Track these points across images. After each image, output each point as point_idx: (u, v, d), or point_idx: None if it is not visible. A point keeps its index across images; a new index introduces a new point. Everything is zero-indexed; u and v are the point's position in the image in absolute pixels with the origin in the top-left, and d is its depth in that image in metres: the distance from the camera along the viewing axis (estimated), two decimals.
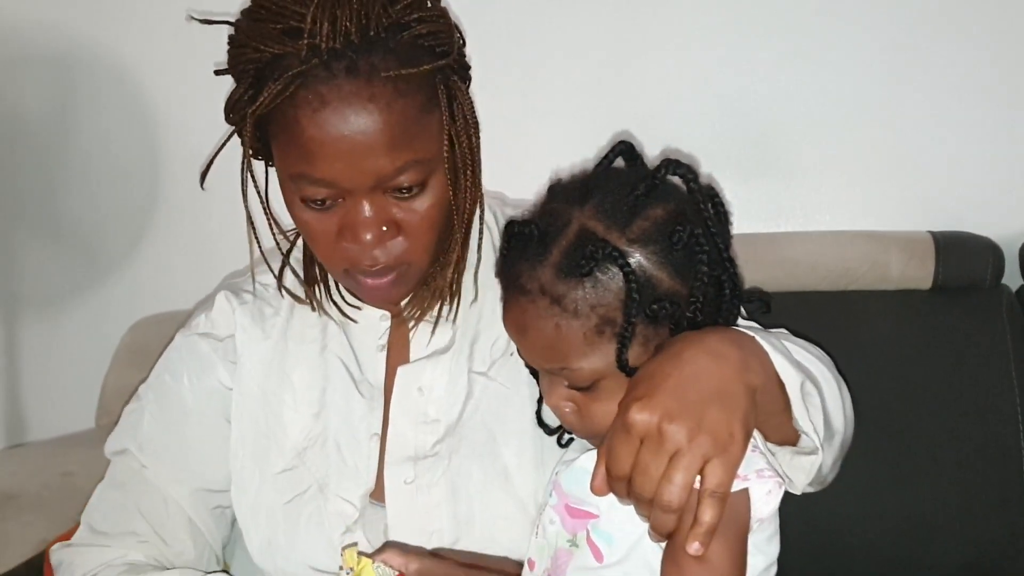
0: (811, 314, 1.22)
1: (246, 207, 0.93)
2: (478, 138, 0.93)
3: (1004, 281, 1.28)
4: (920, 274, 1.26)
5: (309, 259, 1.00)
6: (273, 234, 0.97)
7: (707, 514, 0.72)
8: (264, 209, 0.94)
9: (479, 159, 0.93)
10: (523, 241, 0.82)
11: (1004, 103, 1.35)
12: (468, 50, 0.93)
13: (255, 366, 1.02)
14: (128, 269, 1.55)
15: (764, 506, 0.78)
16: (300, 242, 1.01)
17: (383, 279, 0.90)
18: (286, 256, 1.01)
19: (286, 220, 0.95)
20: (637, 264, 0.78)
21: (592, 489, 0.78)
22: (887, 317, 1.26)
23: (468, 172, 0.92)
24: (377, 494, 0.98)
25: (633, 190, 0.80)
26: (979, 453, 1.20)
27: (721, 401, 0.74)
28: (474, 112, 0.92)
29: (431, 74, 0.86)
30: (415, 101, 0.84)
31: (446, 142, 0.88)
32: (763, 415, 0.78)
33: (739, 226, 0.88)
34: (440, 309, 0.99)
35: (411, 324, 1.00)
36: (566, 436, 0.94)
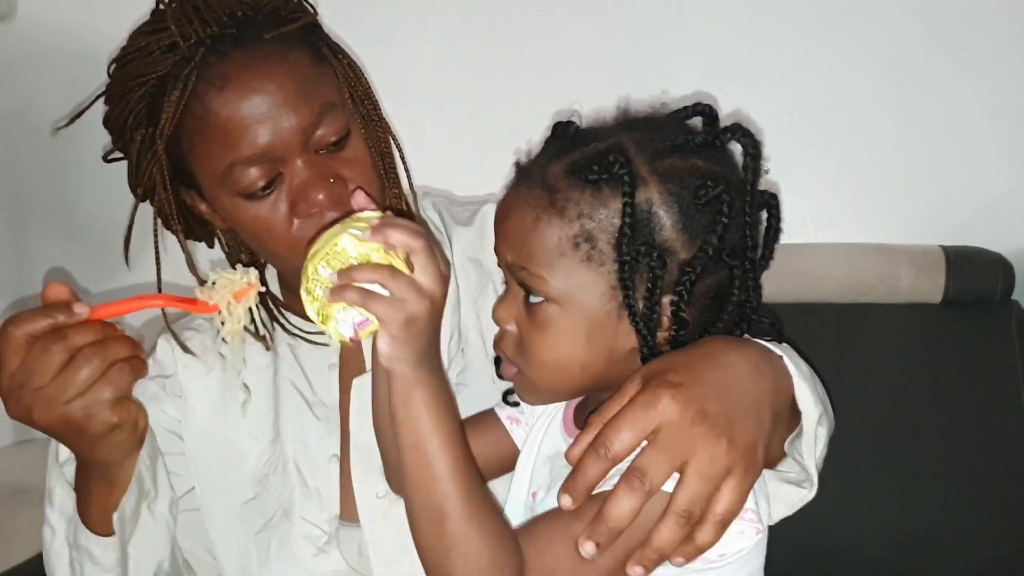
0: (821, 326, 1.22)
1: (158, 266, 1.03)
2: (368, 82, 0.99)
3: (1014, 296, 1.28)
4: (930, 288, 1.26)
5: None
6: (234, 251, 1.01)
7: (707, 537, 0.68)
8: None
9: (375, 99, 0.99)
10: (556, 138, 0.81)
11: (1016, 118, 1.35)
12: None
13: (200, 400, 1.04)
14: (141, 269, 1.55)
15: (730, 544, 0.73)
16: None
17: None
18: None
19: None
20: (646, 197, 0.74)
21: (567, 456, 0.72)
22: (897, 330, 1.27)
23: (372, 110, 0.97)
24: (349, 514, 0.97)
25: (689, 137, 0.77)
26: (986, 467, 1.21)
27: (756, 418, 0.70)
28: (355, 63, 0.97)
29: (307, 32, 0.92)
30: (304, 54, 0.90)
31: (347, 89, 0.93)
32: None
33: None
34: None
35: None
36: (506, 403, 0.90)
